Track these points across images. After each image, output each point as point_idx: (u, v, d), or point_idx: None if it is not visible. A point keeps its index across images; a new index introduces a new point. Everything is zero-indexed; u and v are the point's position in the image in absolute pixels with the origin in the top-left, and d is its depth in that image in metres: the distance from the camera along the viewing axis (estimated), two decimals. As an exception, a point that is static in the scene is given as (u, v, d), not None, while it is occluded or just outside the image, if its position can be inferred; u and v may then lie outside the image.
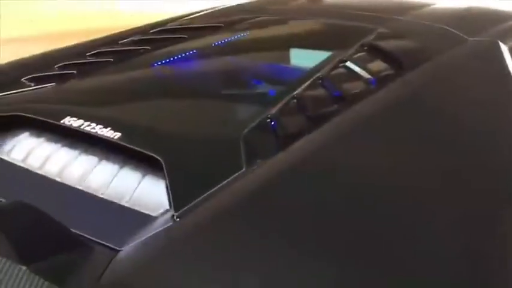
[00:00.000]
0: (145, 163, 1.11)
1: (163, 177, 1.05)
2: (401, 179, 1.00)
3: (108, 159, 1.15)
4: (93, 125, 1.17)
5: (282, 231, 0.81)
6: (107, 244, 0.84)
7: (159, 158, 1.05)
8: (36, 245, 0.71)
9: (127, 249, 0.82)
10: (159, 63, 1.57)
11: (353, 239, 0.82)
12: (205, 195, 0.93)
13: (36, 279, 0.66)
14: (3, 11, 4.90)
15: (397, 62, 1.44)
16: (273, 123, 1.18)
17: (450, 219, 0.90)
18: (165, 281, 0.75)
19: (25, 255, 0.67)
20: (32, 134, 1.25)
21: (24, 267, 0.64)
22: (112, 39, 1.83)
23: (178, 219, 0.90)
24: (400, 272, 0.79)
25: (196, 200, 0.93)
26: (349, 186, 0.95)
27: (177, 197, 0.95)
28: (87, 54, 1.66)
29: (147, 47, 1.69)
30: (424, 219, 0.90)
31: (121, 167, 1.12)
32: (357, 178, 0.97)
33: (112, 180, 1.10)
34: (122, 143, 1.11)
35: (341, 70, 1.43)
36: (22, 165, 1.17)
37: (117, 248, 0.83)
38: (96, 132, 1.15)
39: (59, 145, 1.20)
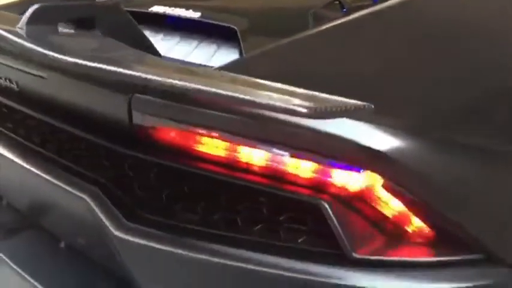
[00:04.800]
0: (221, 37, 1.22)
1: (237, 46, 1.16)
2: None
3: (189, 36, 1.28)
4: (176, 9, 1.31)
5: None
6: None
7: (233, 27, 1.16)
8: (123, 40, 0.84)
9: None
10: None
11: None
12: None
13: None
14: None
15: None
16: (343, 8, 1.26)
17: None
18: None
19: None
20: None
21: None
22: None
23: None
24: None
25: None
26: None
27: (248, 48, 1.06)
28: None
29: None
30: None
31: (200, 42, 1.25)
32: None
33: (193, 51, 1.23)
34: (201, 19, 1.23)
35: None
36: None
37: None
38: (179, 14, 1.28)
39: (148, 29, 1.35)
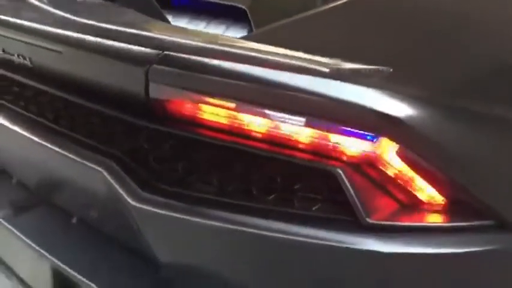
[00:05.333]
0: (230, 18, 1.24)
1: (247, 26, 1.18)
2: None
3: (197, 18, 1.29)
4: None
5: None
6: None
7: (242, 7, 1.18)
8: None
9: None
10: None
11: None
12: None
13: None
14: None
15: None
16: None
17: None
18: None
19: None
20: None
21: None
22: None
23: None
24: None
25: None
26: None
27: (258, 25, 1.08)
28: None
29: None
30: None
31: (208, 23, 1.27)
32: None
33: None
34: (209, 0, 1.25)
35: None
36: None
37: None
38: (188, -5, 1.30)
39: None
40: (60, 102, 1.05)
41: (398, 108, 0.72)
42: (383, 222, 0.77)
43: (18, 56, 1.07)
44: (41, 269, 1.11)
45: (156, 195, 0.87)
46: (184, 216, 0.84)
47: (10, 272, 1.26)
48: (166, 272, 0.93)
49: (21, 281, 1.23)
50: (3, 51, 1.11)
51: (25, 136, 1.06)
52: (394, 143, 0.75)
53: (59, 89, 1.02)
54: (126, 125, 0.93)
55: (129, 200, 0.87)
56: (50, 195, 1.17)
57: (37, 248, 1.05)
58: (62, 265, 1.01)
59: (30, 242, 1.07)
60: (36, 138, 1.04)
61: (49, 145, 1.01)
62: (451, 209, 0.79)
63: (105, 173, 0.91)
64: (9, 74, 1.15)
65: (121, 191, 0.89)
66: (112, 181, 0.90)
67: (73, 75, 0.97)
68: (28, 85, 1.10)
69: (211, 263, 0.87)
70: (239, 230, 0.81)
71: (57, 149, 1.00)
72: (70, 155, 0.97)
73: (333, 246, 0.77)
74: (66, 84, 1.00)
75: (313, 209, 0.81)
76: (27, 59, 1.05)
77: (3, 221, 1.13)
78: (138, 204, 0.86)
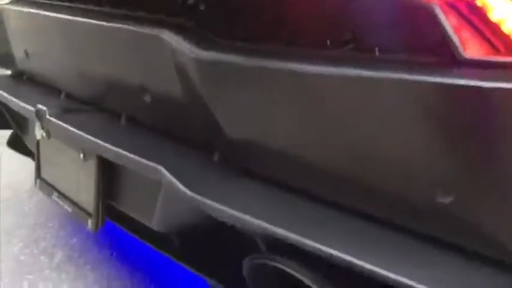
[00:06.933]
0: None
1: None
2: None
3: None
4: None
5: None
6: None
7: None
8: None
9: None
10: None
11: None
12: None
13: None
14: None
15: None
16: None
17: None
18: None
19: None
20: None
21: None
22: None
23: None
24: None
25: None
26: None
27: None
28: None
29: None
30: None
31: None
32: None
33: None
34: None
35: None
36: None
37: None
38: None
39: None
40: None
41: None
42: (480, 58, 0.67)
43: None
44: (86, 166, 1.04)
45: (216, 51, 0.80)
46: (250, 66, 0.76)
47: (51, 187, 1.20)
48: (232, 145, 0.84)
49: (61, 195, 1.17)
50: None
51: (83, 22, 1.03)
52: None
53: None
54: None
55: (191, 54, 0.80)
56: (100, 93, 1.12)
57: (85, 135, 0.99)
58: (109, 147, 0.93)
59: (77, 131, 1.00)
60: (95, 22, 1.00)
61: (109, 24, 0.97)
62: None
63: (166, 37, 0.85)
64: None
65: (182, 48, 0.82)
66: (171, 41, 0.84)
67: None
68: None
69: (279, 121, 0.78)
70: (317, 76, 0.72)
71: (115, 25, 0.95)
72: (127, 27, 0.92)
73: (427, 82, 0.67)
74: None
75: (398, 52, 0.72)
76: None
77: (51, 118, 1.08)
78: (198, 56, 0.79)
